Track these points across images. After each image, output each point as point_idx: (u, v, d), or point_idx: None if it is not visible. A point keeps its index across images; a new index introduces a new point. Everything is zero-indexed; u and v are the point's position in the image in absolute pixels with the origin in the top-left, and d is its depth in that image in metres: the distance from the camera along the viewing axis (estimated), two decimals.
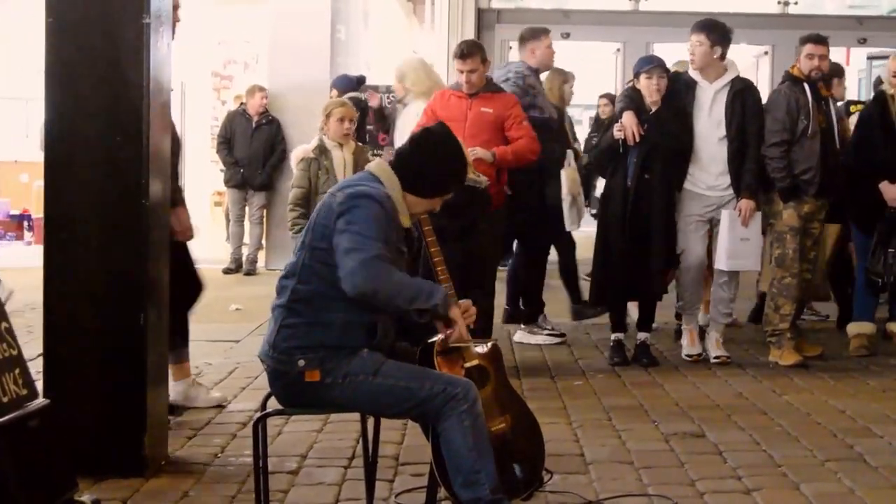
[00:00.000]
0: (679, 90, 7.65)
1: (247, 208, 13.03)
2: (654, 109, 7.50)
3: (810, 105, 7.63)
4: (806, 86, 7.68)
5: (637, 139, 7.46)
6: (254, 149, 12.73)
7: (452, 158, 4.39)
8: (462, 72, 7.47)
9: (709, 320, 7.98)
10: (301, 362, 4.11)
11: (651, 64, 7.65)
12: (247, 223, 13.15)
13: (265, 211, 12.99)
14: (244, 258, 12.87)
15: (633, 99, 7.59)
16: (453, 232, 6.39)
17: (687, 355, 7.80)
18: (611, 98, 13.56)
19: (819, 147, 7.64)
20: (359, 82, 11.44)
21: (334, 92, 11.16)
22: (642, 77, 7.56)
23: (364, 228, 4.04)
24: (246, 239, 13.18)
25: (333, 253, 4.08)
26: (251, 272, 12.59)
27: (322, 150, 7.88)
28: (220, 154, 13.12)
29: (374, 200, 4.11)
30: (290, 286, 4.19)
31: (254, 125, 12.77)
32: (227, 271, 12.62)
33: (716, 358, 7.78)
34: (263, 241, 13.13)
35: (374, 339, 4.16)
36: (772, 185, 7.69)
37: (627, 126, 7.47)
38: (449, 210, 6.43)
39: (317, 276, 4.14)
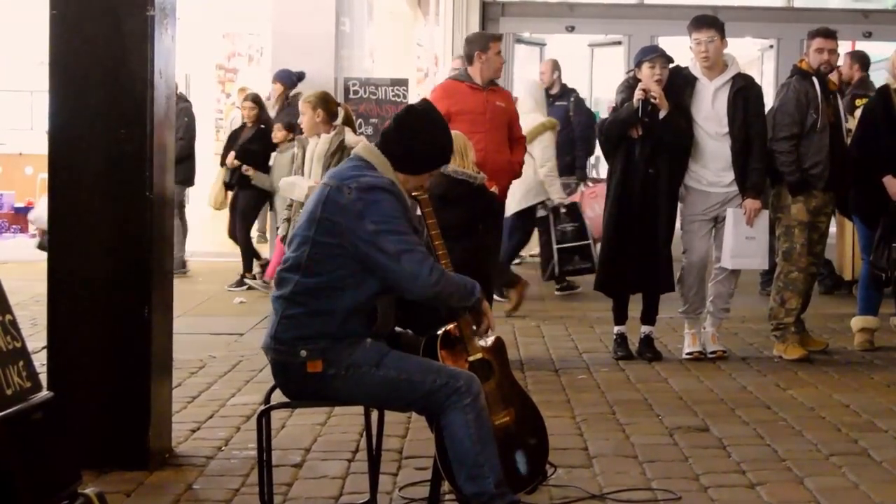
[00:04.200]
0: (679, 85, 7.61)
1: None
2: (655, 100, 7.42)
3: (819, 99, 7.61)
4: (815, 80, 7.66)
5: (660, 98, 7.39)
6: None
7: (438, 134, 4.35)
8: (500, 53, 7.61)
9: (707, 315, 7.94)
10: (303, 353, 4.11)
11: (654, 53, 7.61)
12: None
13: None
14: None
15: (633, 88, 7.53)
16: (456, 229, 6.37)
17: (687, 353, 7.75)
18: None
19: (828, 141, 7.63)
20: (298, 78, 11.53)
21: (277, 85, 11.33)
22: (644, 66, 7.51)
23: (398, 226, 4.07)
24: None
25: (341, 247, 4.07)
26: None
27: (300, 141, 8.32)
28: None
29: (387, 192, 4.12)
30: (294, 279, 4.17)
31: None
32: None
33: (712, 353, 7.75)
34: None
35: (373, 325, 4.17)
36: (780, 178, 7.67)
37: (651, 88, 7.41)
38: (449, 205, 6.47)
39: (324, 270, 4.13)
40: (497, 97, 7.78)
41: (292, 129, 10.49)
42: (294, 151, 8.65)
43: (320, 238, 4.14)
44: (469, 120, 7.40)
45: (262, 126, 10.95)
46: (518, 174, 8.04)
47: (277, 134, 10.57)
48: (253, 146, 10.88)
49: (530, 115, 9.82)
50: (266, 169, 10.76)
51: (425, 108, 4.43)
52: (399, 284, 4.07)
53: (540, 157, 9.73)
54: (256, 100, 11.27)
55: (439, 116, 4.43)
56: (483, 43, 7.90)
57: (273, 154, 10.70)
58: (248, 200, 10.94)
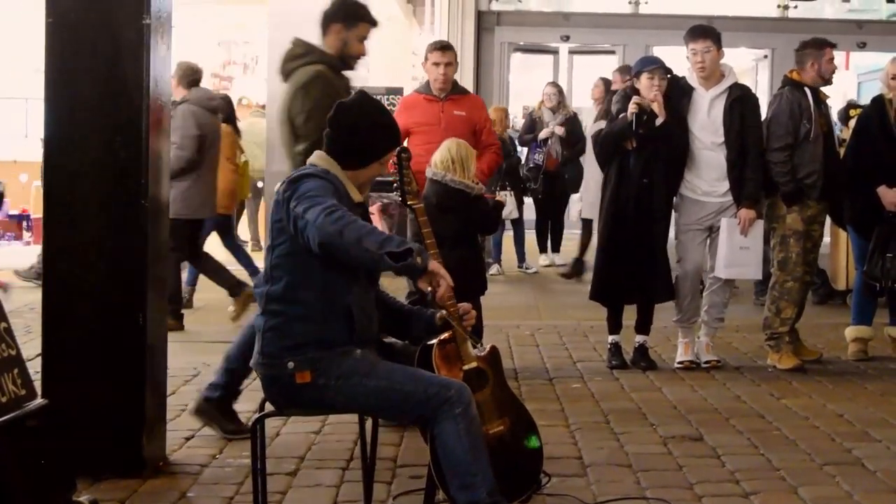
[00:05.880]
0: (676, 95, 7.62)
1: None
2: (653, 108, 7.44)
3: (812, 109, 7.63)
4: (807, 90, 7.68)
5: (660, 106, 7.41)
6: None
7: (366, 123, 4.29)
8: (439, 64, 7.52)
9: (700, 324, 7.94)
10: (291, 364, 4.11)
11: (654, 64, 7.62)
12: None
13: None
14: None
15: (630, 99, 7.54)
16: (452, 238, 6.37)
17: (679, 362, 7.76)
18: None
19: (821, 151, 7.65)
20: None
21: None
22: (644, 76, 7.52)
23: (314, 192, 4.02)
24: None
25: (291, 242, 4.07)
26: None
27: None
28: None
29: (314, 176, 4.12)
30: (264, 292, 4.21)
31: None
32: None
33: (706, 363, 7.76)
34: None
35: (353, 327, 4.13)
36: (774, 189, 7.68)
37: (651, 98, 7.43)
38: (445, 214, 6.48)
39: (282, 271, 4.14)
40: (456, 106, 7.65)
41: None
42: None
43: (275, 242, 4.17)
44: (425, 131, 7.34)
45: None
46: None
47: None
48: None
49: None
50: None
51: (353, 102, 4.37)
52: (308, 238, 3.96)
53: None
54: None
55: (369, 106, 4.35)
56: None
57: None
58: None
